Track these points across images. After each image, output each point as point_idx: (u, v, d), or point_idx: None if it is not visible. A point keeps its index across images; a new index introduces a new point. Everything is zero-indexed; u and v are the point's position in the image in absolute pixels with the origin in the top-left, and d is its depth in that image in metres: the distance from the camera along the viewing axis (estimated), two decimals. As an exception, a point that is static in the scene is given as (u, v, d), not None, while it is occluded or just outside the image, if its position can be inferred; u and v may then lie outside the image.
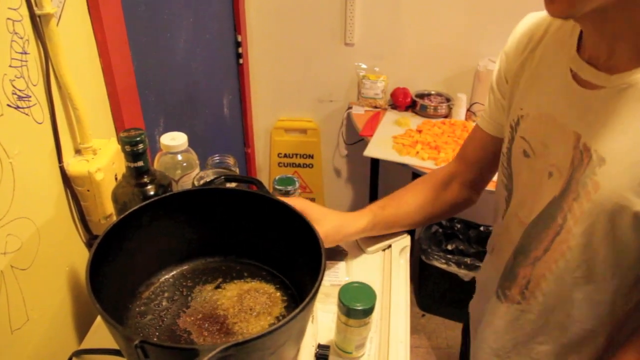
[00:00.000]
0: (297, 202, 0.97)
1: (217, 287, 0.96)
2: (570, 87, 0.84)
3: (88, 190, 1.05)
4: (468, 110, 2.51)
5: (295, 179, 1.13)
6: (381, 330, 1.02)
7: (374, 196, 2.78)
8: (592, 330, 0.90)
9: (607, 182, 0.78)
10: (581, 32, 0.84)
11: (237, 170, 1.15)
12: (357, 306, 0.88)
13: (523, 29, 0.99)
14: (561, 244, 0.87)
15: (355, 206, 3.13)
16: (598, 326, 0.89)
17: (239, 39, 2.40)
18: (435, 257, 2.49)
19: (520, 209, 0.97)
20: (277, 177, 1.13)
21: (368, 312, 0.89)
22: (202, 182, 1.03)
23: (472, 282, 2.41)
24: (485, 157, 1.12)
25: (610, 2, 0.70)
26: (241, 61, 2.46)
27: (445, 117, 2.53)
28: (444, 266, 2.48)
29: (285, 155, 2.94)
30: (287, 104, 2.86)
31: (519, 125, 0.95)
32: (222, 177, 0.97)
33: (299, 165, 2.95)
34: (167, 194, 0.95)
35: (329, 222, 1.05)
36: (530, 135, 0.93)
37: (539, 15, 0.96)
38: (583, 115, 0.81)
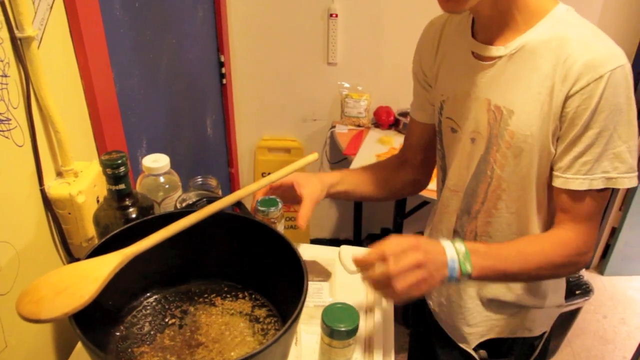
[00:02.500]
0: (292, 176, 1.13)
1: (201, 310, 0.95)
2: (475, 65, 1.05)
3: (69, 213, 1.04)
4: (450, 128, 2.53)
5: (278, 200, 1.13)
6: (365, 351, 1.02)
7: (358, 215, 2.79)
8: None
9: (518, 127, 0.98)
10: (473, 21, 1.06)
11: (220, 192, 1.15)
12: (340, 327, 0.88)
13: (428, 30, 1.20)
14: (496, 190, 1.06)
15: (341, 225, 3.13)
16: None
17: (222, 59, 2.41)
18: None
19: (452, 180, 1.15)
20: (259, 199, 1.12)
21: (351, 333, 0.89)
22: (184, 204, 1.03)
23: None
24: (425, 142, 1.28)
25: None
26: (224, 81, 2.47)
27: (428, 135, 2.54)
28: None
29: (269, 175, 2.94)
30: (270, 124, 2.87)
31: (442, 109, 1.14)
32: (204, 199, 0.97)
33: (283, 185, 2.94)
34: (149, 216, 0.95)
35: (312, 181, 1.17)
36: (453, 113, 1.11)
37: (436, 18, 1.18)
38: (489, 84, 1.02)
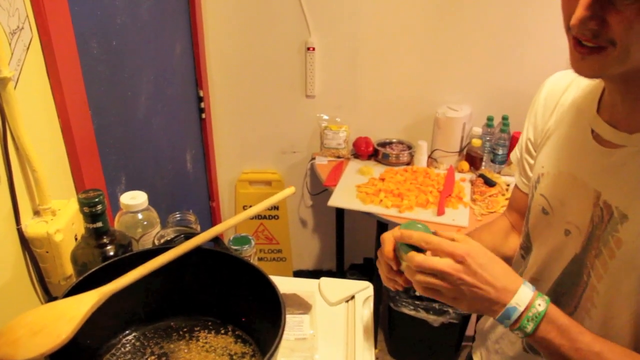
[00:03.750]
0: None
1: (181, 346, 0.95)
2: (591, 146, 0.87)
3: (47, 252, 1.03)
4: (429, 157, 2.56)
5: (251, 238, 1.14)
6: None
7: (340, 245, 2.79)
8: None
9: (630, 238, 0.79)
10: (603, 92, 0.88)
11: (199, 227, 1.15)
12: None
13: (551, 88, 1.02)
14: (586, 301, 0.88)
15: (323, 256, 3.13)
16: None
17: (201, 94, 2.43)
18: (404, 303, 2.49)
19: (535, 267, 1.00)
20: (232, 237, 1.13)
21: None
22: (162, 240, 1.03)
23: (442, 327, 2.42)
24: None
25: (637, 67, 0.73)
26: (204, 116, 2.48)
27: (407, 164, 2.57)
28: (412, 312, 2.48)
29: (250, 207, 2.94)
30: (250, 157, 2.88)
31: (539, 183, 0.99)
32: (182, 235, 0.97)
33: (264, 217, 2.95)
34: (127, 254, 0.94)
35: None
36: (549, 192, 0.96)
37: (560, 75, 1.01)
38: (604, 174, 0.84)
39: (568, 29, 0.75)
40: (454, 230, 1.27)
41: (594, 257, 0.86)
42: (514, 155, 1.15)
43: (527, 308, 0.78)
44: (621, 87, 0.82)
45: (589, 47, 0.73)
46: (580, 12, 0.70)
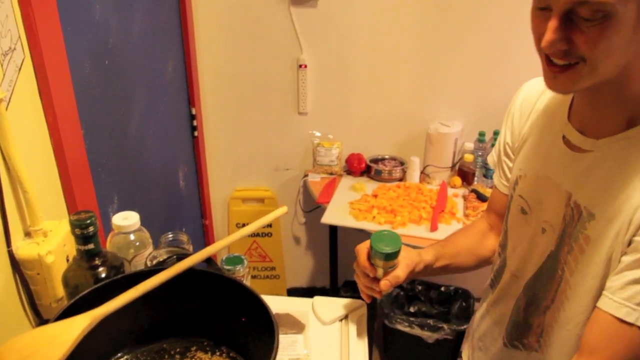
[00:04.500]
0: None
1: (173, 368, 0.94)
2: (563, 151, 0.95)
3: (38, 274, 1.03)
4: (422, 172, 2.56)
5: (243, 257, 1.14)
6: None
7: (334, 262, 2.78)
8: None
9: (596, 235, 0.88)
10: (571, 101, 0.96)
11: (191, 247, 1.15)
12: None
13: (526, 96, 1.10)
14: (561, 294, 0.96)
15: (317, 273, 3.12)
16: None
17: (194, 111, 2.43)
18: (398, 320, 2.48)
19: (513, 263, 1.08)
20: (224, 257, 1.13)
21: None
22: (154, 261, 1.03)
23: (437, 343, 2.41)
24: None
25: (604, 80, 0.81)
26: (196, 133, 2.48)
27: (400, 180, 2.57)
28: (407, 329, 2.47)
29: (243, 225, 2.92)
30: (243, 174, 2.88)
31: (517, 185, 1.07)
32: (175, 256, 0.97)
33: (257, 235, 2.94)
34: (119, 276, 0.94)
35: (410, 252, 1.11)
36: (528, 193, 1.04)
37: (535, 82, 1.09)
38: (574, 176, 0.93)
39: (539, 49, 0.82)
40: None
41: (567, 253, 0.94)
42: (491, 158, 1.21)
43: None
44: (589, 99, 0.90)
45: (560, 65, 0.81)
46: (549, 35, 0.78)
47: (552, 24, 0.77)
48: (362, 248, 1.07)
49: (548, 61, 0.83)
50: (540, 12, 0.81)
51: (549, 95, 1.04)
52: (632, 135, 0.86)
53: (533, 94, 1.08)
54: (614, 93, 0.85)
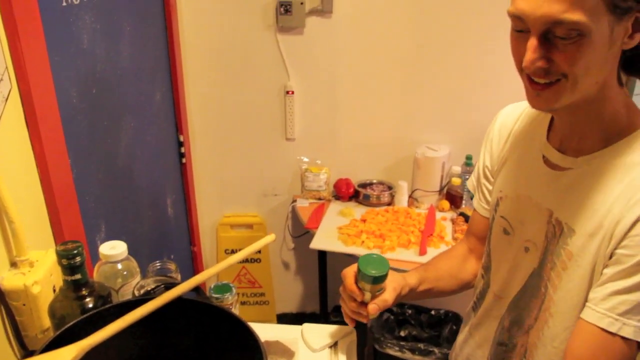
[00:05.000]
0: None
1: (161, 399, 0.93)
2: (543, 170, 0.99)
3: (24, 305, 1.01)
4: (410, 196, 2.57)
5: (232, 285, 1.13)
6: None
7: (323, 287, 2.77)
8: None
9: (578, 250, 0.90)
10: (550, 121, 1.00)
11: (179, 276, 1.14)
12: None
13: (503, 120, 1.14)
14: (545, 312, 0.97)
15: (306, 299, 3.10)
16: None
17: (181, 138, 2.43)
18: (389, 345, 2.47)
19: (497, 283, 1.09)
20: (213, 285, 1.13)
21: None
22: (142, 291, 1.02)
23: (427, 369, 2.39)
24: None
25: (583, 98, 0.85)
26: (184, 160, 2.48)
27: (388, 204, 2.58)
28: (398, 354, 2.45)
29: (232, 252, 2.92)
30: (232, 200, 2.87)
31: (498, 206, 1.09)
32: (162, 285, 0.96)
33: (246, 261, 2.92)
34: (106, 306, 0.93)
35: (395, 275, 1.10)
36: (509, 214, 1.06)
37: (512, 108, 1.13)
38: (555, 194, 0.95)
39: (521, 70, 0.85)
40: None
41: (550, 270, 0.96)
42: (471, 182, 1.23)
43: None
44: (570, 118, 0.93)
45: (542, 83, 0.84)
46: (529, 54, 0.81)
47: (532, 43, 0.81)
48: (349, 272, 1.06)
49: (530, 80, 0.86)
50: (519, 34, 0.84)
51: (526, 119, 1.08)
52: (609, 152, 0.89)
53: (510, 119, 1.12)
54: (593, 112, 0.89)
